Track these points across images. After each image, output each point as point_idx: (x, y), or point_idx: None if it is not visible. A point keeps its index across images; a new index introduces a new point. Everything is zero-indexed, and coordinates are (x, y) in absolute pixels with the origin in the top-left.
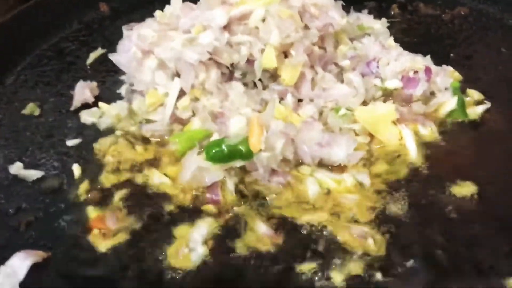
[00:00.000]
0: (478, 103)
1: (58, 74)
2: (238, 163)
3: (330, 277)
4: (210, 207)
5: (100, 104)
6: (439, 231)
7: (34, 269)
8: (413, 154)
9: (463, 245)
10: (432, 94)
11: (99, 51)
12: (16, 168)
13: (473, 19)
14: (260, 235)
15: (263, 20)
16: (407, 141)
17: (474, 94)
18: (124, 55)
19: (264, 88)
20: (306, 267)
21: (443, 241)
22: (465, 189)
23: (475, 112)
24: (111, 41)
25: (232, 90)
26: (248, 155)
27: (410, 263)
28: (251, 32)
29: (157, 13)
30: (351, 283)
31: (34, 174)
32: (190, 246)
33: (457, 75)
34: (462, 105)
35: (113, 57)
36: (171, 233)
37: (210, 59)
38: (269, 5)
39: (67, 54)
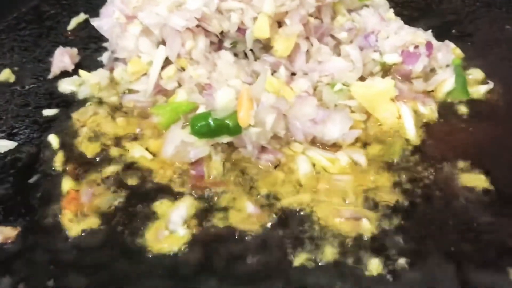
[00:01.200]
0: (481, 82)
1: (37, 39)
2: (225, 139)
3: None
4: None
5: (80, 71)
6: (437, 215)
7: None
8: (411, 133)
9: (461, 229)
10: (433, 71)
11: (82, 17)
12: None
13: None
14: (247, 215)
15: None
16: (406, 120)
17: (476, 73)
18: (106, 20)
19: (256, 59)
20: (300, 258)
21: (440, 224)
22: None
23: (477, 91)
24: (95, 6)
25: (221, 60)
26: (236, 130)
27: (405, 247)
28: None
29: None
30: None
31: (6, 144)
32: (170, 228)
33: (458, 52)
34: (463, 84)
35: (95, 22)
36: (150, 213)
37: (198, 26)
38: None
39: (47, 18)
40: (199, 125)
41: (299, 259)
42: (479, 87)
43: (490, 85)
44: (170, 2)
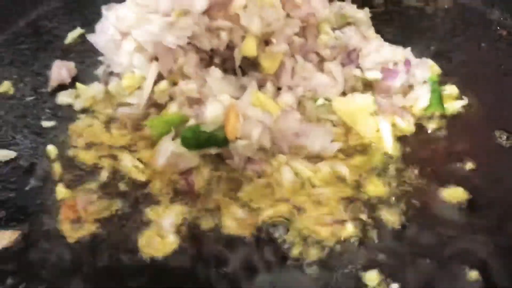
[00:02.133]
0: (456, 98)
1: (35, 52)
2: (214, 150)
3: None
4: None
5: (77, 85)
6: (414, 225)
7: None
8: (389, 146)
9: (435, 240)
10: (411, 86)
11: (78, 31)
12: None
13: (455, 13)
14: (234, 223)
15: (245, 7)
16: (384, 133)
17: (451, 89)
18: (102, 36)
19: (244, 75)
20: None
21: (417, 235)
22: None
23: (452, 106)
24: (91, 21)
25: (210, 76)
26: (223, 142)
27: (382, 258)
28: (232, 19)
29: None
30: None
31: (7, 154)
32: (162, 234)
33: (436, 68)
34: (439, 99)
35: (90, 38)
36: (143, 220)
37: (189, 43)
38: None
39: (44, 32)
40: (189, 137)
41: (286, 264)
42: (455, 102)
43: (465, 100)
44: (163, 21)
